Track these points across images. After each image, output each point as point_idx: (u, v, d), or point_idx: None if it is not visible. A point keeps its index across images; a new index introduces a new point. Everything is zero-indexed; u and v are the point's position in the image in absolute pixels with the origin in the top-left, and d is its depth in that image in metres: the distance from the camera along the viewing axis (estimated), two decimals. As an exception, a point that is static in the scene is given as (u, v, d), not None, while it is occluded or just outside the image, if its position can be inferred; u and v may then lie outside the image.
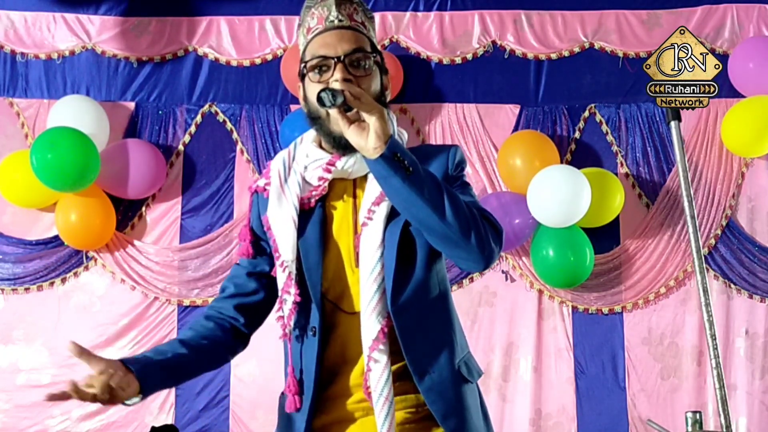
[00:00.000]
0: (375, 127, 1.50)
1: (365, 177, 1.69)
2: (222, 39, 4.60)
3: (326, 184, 1.69)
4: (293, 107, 4.49)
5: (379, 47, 1.73)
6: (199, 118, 4.56)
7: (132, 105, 4.56)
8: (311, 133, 1.75)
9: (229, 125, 4.55)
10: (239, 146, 4.53)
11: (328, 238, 1.69)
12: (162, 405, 4.33)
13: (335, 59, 1.62)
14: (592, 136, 4.54)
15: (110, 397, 1.53)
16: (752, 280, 4.38)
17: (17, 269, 4.40)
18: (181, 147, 4.53)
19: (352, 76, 1.62)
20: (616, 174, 4.42)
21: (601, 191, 4.20)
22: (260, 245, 1.78)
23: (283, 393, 1.71)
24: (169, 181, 4.50)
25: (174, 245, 4.46)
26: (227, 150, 4.55)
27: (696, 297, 4.14)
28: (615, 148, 4.52)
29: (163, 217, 4.49)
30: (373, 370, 1.60)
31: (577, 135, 4.53)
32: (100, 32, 4.57)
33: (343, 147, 1.64)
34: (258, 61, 4.59)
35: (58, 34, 4.58)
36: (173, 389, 4.32)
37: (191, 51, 4.60)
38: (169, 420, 4.29)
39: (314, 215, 1.69)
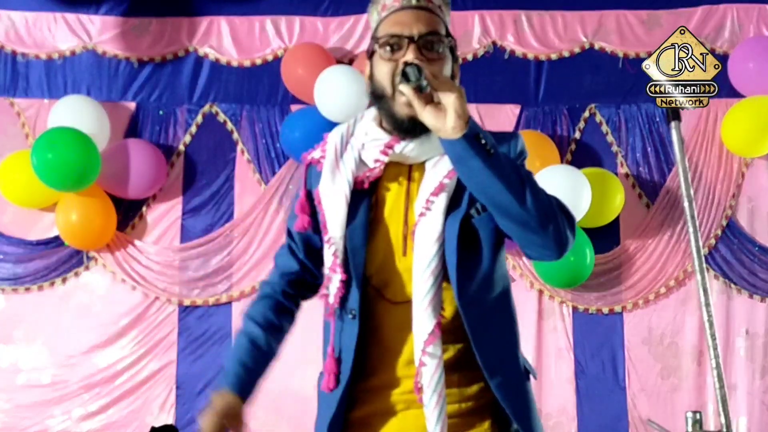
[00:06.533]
0: (455, 107, 1.45)
1: (422, 165, 1.64)
2: (222, 39, 4.60)
3: (382, 166, 1.64)
4: (294, 107, 4.49)
5: (452, 33, 1.67)
6: (199, 119, 4.56)
7: (132, 105, 4.56)
8: (372, 111, 1.69)
9: (229, 125, 4.55)
10: (240, 146, 4.53)
11: (378, 221, 1.64)
12: (162, 405, 4.33)
13: (409, 39, 1.57)
14: (592, 137, 4.54)
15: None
16: (752, 280, 4.38)
17: (18, 269, 4.40)
18: (181, 147, 4.53)
19: (425, 58, 1.56)
20: (616, 174, 4.41)
21: (601, 191, 4.19)
22: (315, 219, 1.70)
23: (321, 373, 1.66)
24: (169, 181, 4.50)
25: (174, 245, 4.46)
26: (228, 150, 4.55)
27: (696, 297, 4.12)
28: (615, 148, 4.52)
29: (164, 217, 4.49)
30: (427, 365, 1.55)
31: (577, 135, 4.53)
32: (101, 32, 4.57)
33: (404, 131, 1.60)
34: (258, 61, 4.59)
35: (59, 35, 4.57)
36: (174, 389, 4.33)
37: (192, 51, 4.60)
38: (169, 420, 4.30)
39: (366, 196, 1.64)
